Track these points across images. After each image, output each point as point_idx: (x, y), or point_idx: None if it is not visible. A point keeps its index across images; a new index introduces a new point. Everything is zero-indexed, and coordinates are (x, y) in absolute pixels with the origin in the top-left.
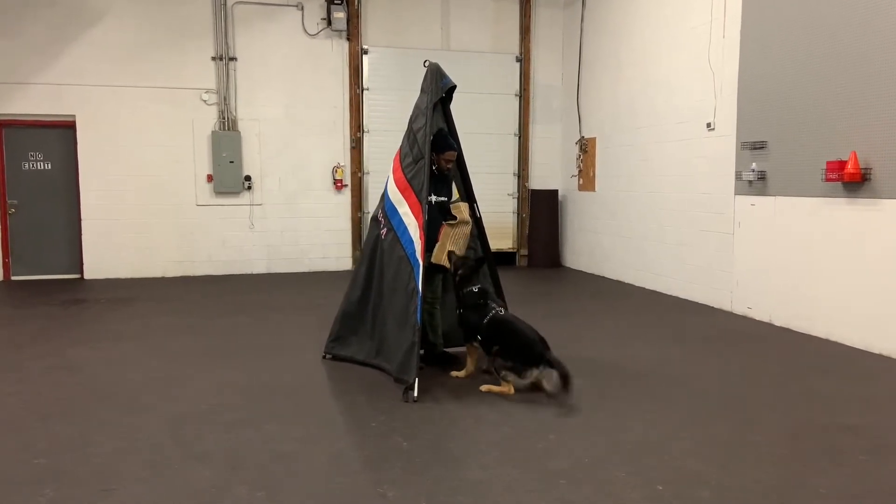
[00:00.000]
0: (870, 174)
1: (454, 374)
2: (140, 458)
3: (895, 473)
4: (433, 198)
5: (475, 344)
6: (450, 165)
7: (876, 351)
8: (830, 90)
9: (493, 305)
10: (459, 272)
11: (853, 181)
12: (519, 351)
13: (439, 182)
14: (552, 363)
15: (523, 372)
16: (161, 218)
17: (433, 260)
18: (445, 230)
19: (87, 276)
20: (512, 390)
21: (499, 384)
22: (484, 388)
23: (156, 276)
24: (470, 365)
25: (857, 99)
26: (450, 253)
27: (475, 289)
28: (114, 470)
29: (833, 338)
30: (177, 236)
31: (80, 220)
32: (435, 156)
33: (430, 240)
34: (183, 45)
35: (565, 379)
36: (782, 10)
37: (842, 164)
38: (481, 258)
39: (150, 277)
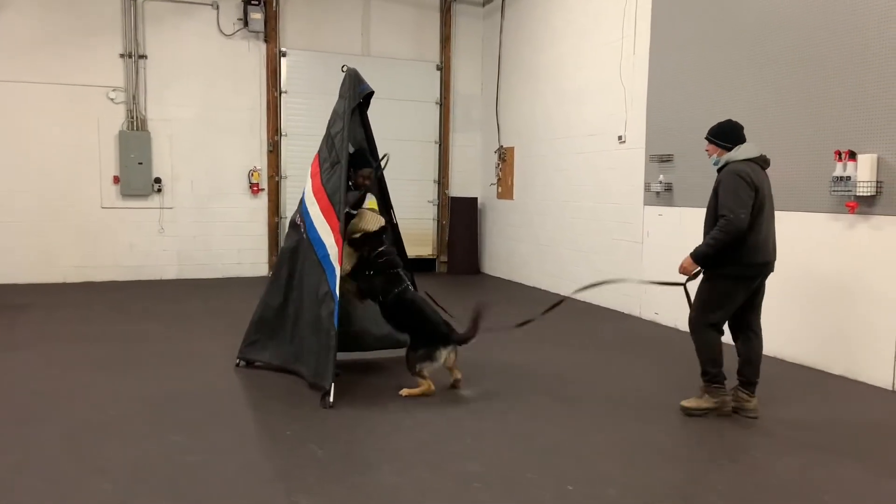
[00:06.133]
0: None
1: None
2: (36, 473)
3: (788, 468)
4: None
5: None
6: (367, 182)
7: (771, 354)
8: (732, 105)
9: (403, 277)
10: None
11: None
12: (426, 334)
13: (350, 192)
14: (459, 340)
15: (434, 354)
16: (62, 221)
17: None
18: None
19: None
20: (432, 388)
21: (416, 385)
22: (404, 392)
23: (55, 282)
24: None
25: (757, 112)
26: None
27: (381, 250)
28: (7, 485)
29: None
30: (79, 240)
31: None
32: (352, 171)
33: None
34: (89, 40)
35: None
36: (689, 28)
37: None
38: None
39: (49, 283)
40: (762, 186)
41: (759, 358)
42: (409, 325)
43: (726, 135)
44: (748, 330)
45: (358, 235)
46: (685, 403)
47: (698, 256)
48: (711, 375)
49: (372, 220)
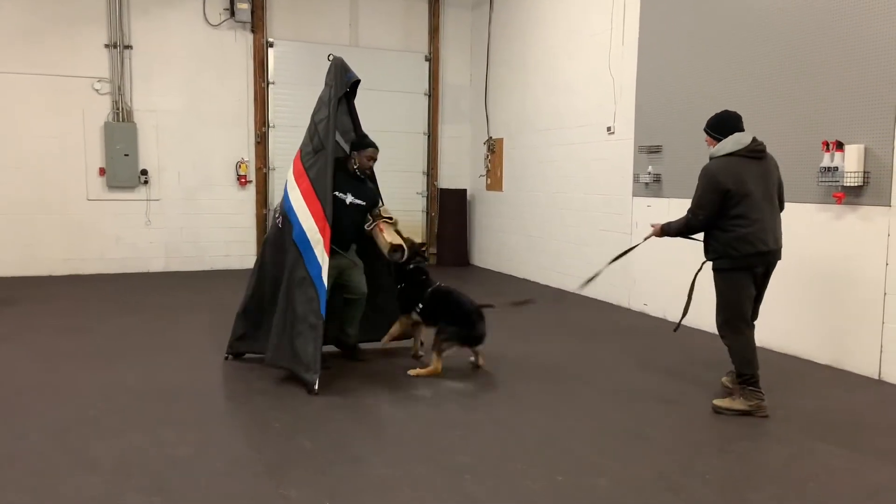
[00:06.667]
0: None
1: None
2: (24, 467)
3: (776, 457)
4: (350, 198)
5: (414, 315)
6: (371, 163)
7: (759, 344)
8: (720, 96)
9: (434, 281)
10: (417, 258)
11: None
12: (458, 319)
13: (358, 184)
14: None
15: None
16: (47, 213)
17: (387, 250)
18: (389, 230)
19: None
20: (440, 369)
21: (426, 367)
22: (412, 372)
23: (41, 275)
24: (396, 330)
25: (745, 102)
26: (407, 239)
27: (420, 265)
28: None
29: None
30: (65, 233)
31: None
32: (356, 155)
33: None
34: (73, 30)
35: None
36: (678, 20)
37: None
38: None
39: (35, 276)
40: (740, 181)
41: None
42: (445, 313)
43: (718, 126)
44: None
45: (403, 257)
46: (718, 402)
47: (667, 230)
48: (747, 377)
49: (393, 237)
